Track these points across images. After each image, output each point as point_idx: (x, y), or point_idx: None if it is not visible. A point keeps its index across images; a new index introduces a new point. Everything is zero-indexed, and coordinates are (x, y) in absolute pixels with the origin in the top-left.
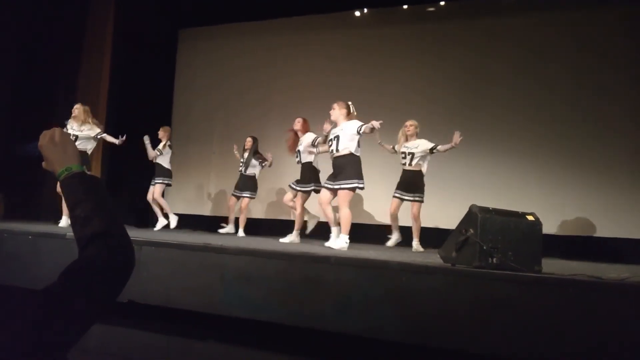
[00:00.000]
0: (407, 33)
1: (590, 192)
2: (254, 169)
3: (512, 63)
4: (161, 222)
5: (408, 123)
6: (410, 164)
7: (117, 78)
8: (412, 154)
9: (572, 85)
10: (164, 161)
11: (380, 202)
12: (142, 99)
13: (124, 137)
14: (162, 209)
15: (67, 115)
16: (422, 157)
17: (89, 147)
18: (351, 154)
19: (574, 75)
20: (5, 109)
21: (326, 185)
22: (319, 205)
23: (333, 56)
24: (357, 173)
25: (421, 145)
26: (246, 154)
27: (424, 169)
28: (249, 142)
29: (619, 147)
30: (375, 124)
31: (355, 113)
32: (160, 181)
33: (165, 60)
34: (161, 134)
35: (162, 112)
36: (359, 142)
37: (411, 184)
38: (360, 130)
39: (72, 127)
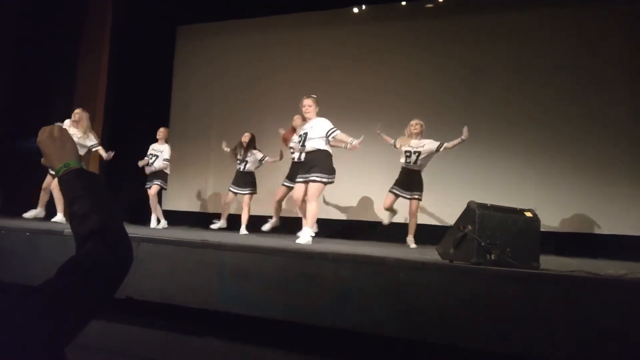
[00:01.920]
0: (405, 30)
1: (588, 188)
2: (253, 164)
3: (510, 60)
4: (162, 222)
5: (414, 122)
6: (415, 163)
7: (115, 75)
8: (418, 153)
9: (571, 82)
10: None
11: (377, 198)
12: (140, 96)
13: (112, 154)
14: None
15: (66, 110)
16: (427, 157)
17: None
18: (320, 150)
19: (573, 73)
20: (3, 104)
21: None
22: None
23: (331, 53)
24: (329, 168)
25: (427, 145)
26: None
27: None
28: (246, 137)
29: (617, 144)
30: (356, 144)
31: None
32: (160, 182)
33: (163, 57)
34: (164, 134)
35: (160, 109)
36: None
37: (411, 182)
38: (330, 136)
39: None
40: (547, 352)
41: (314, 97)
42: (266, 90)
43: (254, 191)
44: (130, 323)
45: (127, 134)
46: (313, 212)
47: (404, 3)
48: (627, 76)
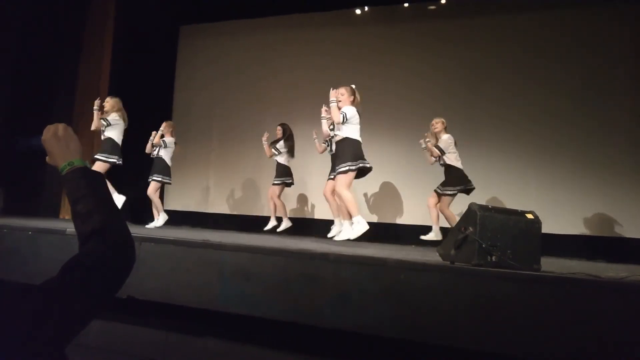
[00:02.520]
0: (407, 31)
1: (590, 191)
2: (280, 156)
3: (512, 61)
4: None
5: (434, 121)
6: (441, 160)
7: (117, 74)
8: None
9: (572, 83)
10: (167, 157)
11: (378, 199)
12: (142, 96)
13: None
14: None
15: (67, 109)
16: (449, 153)
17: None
18: (345, 138)
19: (574, 74)
20: (5, 103)
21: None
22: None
23: (333, 54)
24: (352, 155)
25: (441, 142)
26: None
27: (454, 162)
28: (278, 130)
29: (619, 146)
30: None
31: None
32: (159, 179)
33: (166, 57)
34: (166, 128)
35: (163, 108)
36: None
37: (445, 177)
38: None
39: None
40: (547, 354)
41: (348, 87)
42: (268, 90)
43: (276, 182)
44: (131, 323)
45: (128, 134)
46: (348, 202)
47: (406, 5)
48: (629, 77)
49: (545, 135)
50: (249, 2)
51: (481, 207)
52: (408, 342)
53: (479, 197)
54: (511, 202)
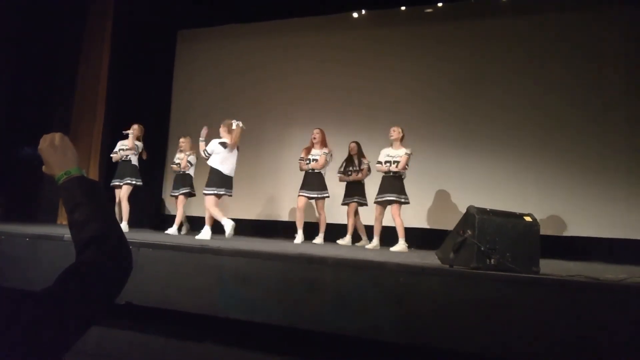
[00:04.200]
0: (404, 34)
1: (588, 193)
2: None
3: (509, 64)
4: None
5: (391, 129)
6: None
7: (115, 79)
8: (397, 162)
9: (569, 86)
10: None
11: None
12: (140, 100)
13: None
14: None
15: (65, 116)
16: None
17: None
18: (211, 167)
19: (571, 76)
20: (3, 110)
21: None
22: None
23: (330, 57)
24: (211, 181)
25: (399, 154)
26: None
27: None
28: (354, 147)
29: (616, 148)
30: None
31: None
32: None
33: (164, 61)
34: (188, 145)
35: (161, 113)
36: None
37: (395, 186)
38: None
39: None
40: (547, 356)
41: (226, 122)
42: (266, 94)
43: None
44: (130, 328)
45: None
46: (212, 215)
47: (403, 8)
48: (625, 80)
49: (544, 138)
50: (246, 7)
51: (479, 210)
52: (408, 346)
53: (477, 199)
54: (509, 205)
